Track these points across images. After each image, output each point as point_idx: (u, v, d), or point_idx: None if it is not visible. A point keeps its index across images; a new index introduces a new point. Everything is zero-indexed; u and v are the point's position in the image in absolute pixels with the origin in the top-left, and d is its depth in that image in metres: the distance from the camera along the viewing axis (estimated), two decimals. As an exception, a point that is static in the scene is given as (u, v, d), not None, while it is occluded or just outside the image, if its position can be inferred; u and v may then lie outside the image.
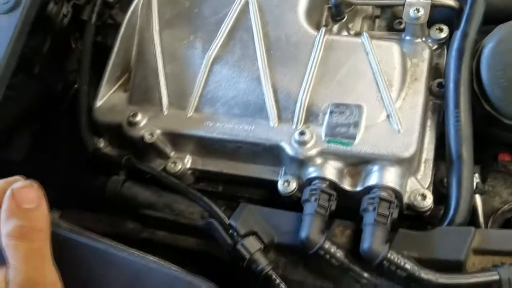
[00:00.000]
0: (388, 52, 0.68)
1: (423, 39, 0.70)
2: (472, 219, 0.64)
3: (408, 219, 0.64)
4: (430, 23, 0.71)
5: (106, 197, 0.70)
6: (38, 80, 0.85)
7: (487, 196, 0.68)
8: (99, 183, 0.72)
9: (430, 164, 0.65)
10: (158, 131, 0.70)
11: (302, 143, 0.63)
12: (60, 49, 0.87)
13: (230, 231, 0.63)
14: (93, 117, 0.76)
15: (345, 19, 0.75)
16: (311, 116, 0.66)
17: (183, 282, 0.50)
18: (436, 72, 0.70)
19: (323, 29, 0.70)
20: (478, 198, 0.66)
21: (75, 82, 0.88)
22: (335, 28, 0.75)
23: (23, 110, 0.84)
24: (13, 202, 0.46)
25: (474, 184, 0.64)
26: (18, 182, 0.47)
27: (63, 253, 0.50)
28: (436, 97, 0.68)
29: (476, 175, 0.66)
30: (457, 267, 0.56)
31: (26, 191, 0.46)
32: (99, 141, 0.76)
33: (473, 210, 0.64)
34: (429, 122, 0.67)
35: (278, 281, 0.60)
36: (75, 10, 0.84)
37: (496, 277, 0.54)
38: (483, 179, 0.68)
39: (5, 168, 0.57)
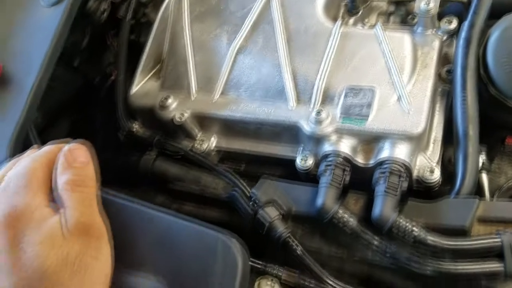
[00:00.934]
0: (399, 41, 0.73)
1: (434, 30, 0.75)
2: (479, 196, 0.67)
3: (418, 196, 0.69)
4: (441, 16, 0.77)
5: (139, 173, 0.77)
6: (77, 73, 0.93)
7: (493, 174, 0.72)
8: (133, 160, 0.79)
9: (439, 144, 0.70)
10: (187, 113, 0.77)
11: (319, 122, 0.69)
12: (97, 44, 0.95)
13: (251, 201, 0.68)
14: (129, 102, 0.83)
15: (360, 13, 0.81)
16: (327, 98, 0.72)
17: (211, 235, 0.55)
18: (445, 60, 0.75)
19: (339, 21, 0.76)
20: (484, 176, 0.70)
21: (111, 74, 0.95)
22: (351, 21, 0.80)
23: (64, 100, 0.92)
24: (68, 157, 0.53)
25: (480, 162, 0.68)
26: (71, 143, 0.55)
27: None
28: (445, 83, 0.73)
29: (483, 154, 0.70)
30: (461, 234, 0.60)
31: (78, 149, 0.54)
32: (134, 124, 0.83)
33: (479, 187, 0.69)
34: (438, 105, 0.72)
35: (295, 245, 0.65)
36: (112, 8, 0.92)
37: (498, 242, 0.58)
38: (490, 160, 0.72)
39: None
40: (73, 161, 0.53)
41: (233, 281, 0.53)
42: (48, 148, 0.56)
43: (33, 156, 0.54)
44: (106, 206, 0.58)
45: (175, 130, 0.78)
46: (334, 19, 0.80)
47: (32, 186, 0.51)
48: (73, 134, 0.94)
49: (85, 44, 0.93)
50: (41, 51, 0.75)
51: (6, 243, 0.48)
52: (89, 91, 0.95)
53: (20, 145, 0.67)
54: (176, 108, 0.78)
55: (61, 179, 0.52)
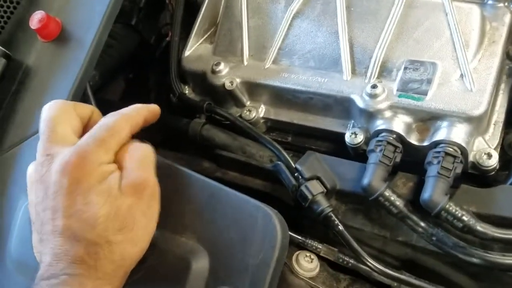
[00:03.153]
0: (467, 13, 0.68)
1: (506, 4, 0.69)
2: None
3: (473, 181, 0.65)
4: (516, -11, 0.70)
5: (188, 137, 0.78)
6: (134, 31, 0.94)
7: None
8: (182, 124, 0.79)
9: (500, 127, 0.65)
10: (238, 80, 0.76)
11: (373, 96, 0.66)
12: (155, 4, 0.95)
13: (296, 174, 0.67)
14: (181, 66, 0.83)
15: (428, -19, 0.76)
16: (384, 71, 0.68)
17: (252, 204, 0.56)
18: (517, 37, 0.69)
19: (404, -12, 0.72)
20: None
21: (166, 35, 0.96)
22: (418, -11, 0.75)
23: (121, 57, 0.93)
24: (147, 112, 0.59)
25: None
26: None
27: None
28: (514, 61, 0.68)
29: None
30: (514, 224, 0.57)
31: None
32: (185, 87, 0.83)
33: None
34: (503, 86, 0.67)
35: (337, 221, 0.64)
36: (171, -33, 0.91)
37: (556, 237, 0.55)
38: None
39: (103, 105, 0.65)
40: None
41: (272, 251, 0.53)
42: (138, 108, 0.59)
43: (125, 115, 0.57)
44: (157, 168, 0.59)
45: (225, 96, 0.78)
46: (399, -14, 0.75)
47: (111, 143, 0.54)
48: (127, 92, 0.97)
49: (143, 3, 0.93)
50: (100, 8, 0.75)
51: (61, 189, 0.51)
52: (144, 50, 0.96)
53: (78, 101, 0.69)
54: (227, 74, 0.77)
55: (127, 143, 0.56)
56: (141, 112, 0.59)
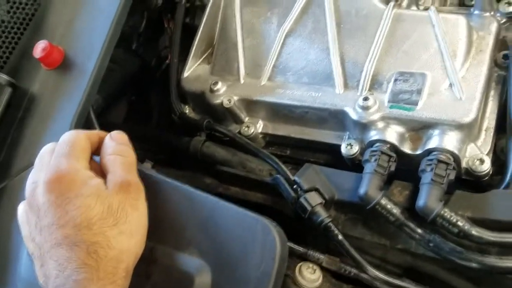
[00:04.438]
0: (454, 24, 0.70)
1: (492, 13, 0.72)
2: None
3: (467, 186, 0.66)
4: (500, -2, 0.73)
5: (189, 154, 0.80)
6: (135, 55, 0.98)
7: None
8: (183, 142, 0.82)
9: (491, 133, 0.67)
10: (235, 98, 0.78)
11: (366, 108, 0.68)
12: (154, 28, 0.99)
13: (294, 186, 0.69)
14: (181, 86, 0.86)
15: (415, -6, 0.78)
16: (375, 84, 0.71)
17: (251, 218, 0.57)
18: (503, 45, 0.71)
19: (392, 3, 0.74)
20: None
21: (166, 57, 0.98)
22: (405, 3, 0.78)
23: (122, 81, 0.96)
24: (113, 137, 0.62)
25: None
26: (115, 131, 0.63)
27: (153, 189, 0.60)
28: (501, 69, 0.69)
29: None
30: (509, 228, 0.58)
31: (119, 135, 0.63)
32: (185, 107, 0.86)
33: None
34: (492, 92, 0.69)
35: (336, 231, 0.65)
36: (168, -8, 0.94)
37: (549, 238, 0.56)
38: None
39: (106, 129, 0.67)
40: (116, 139, 0.62)
41: (272, 262, 0.55)
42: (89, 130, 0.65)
43: (76, 130, 0.63)
44: (156, 186, 0.61)
45: (224, 114, 0.80)
46: (387, 1, 0.77)
47: (76, 152, 0.58)
48: (130, 114, 1.00)
49: (143, 28, 0.97)
50: (101, 35, 0.78)
51: (51, 205, 0.55)
52: (145, 73, 0.99)
53: (81, 126, 0.72)
54: (225, 93, 0.80)
55: (107, 151, 0.61)
56: (91, 131, 0.64)
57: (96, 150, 0.62)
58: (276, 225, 0.57)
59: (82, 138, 0.60)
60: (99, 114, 0.81)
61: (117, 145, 0.61)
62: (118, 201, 0.56)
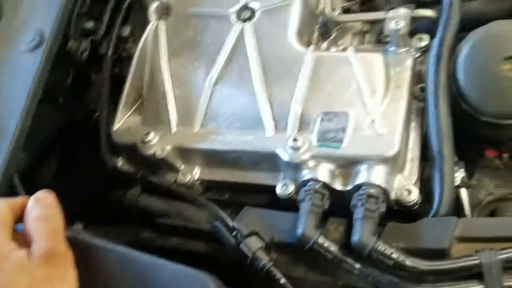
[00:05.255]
0: (371, 63, 0.74)
1: (406, 48, 0.76)
2: (459, 212, 0.68)
3: (399, 216, 0.69)
4: (414, 34, 0.77)
5: (124, 208, 0.78)
6: (62, 110, 0.95)
7: (473, 189, 0.72)
8: (117, 196, 0.80)
9: (416, 163, 0.70)
10: (168, 147, 0.78)
11: (296, 149, 0.70)
12: (81, 82, 0.97)
13: (234, 232, 0.69)
14: (111, 139, 0.84)
15: (333, 36, 0.82)
16: (303, 124, 0.73)
17: (189, 275, 0.56)
18: (420, 78, 0.75)
19: (312, 46, 0.77)
20: (464, 192, 0.70)
21: (95, 110, 0.96)
22: (324, 45, 0.82)
23: (49, 138, 0.93)
24: (37, 201, 0.59)
25: (460, 178, 0.68)
26: (40, 191, 0.60)
27: (84, 255, 0.58)
28: (420, 101, 0.74)
29: (462, 170, 0.70)
30: (441, 255, 0.61)
31: (45, 196, 0.60)
32: (117, 160, 0.84)
33: (459, 203, 0.69)
34: (413, 124, 0.72)
35: (278, 275, 0.65)
36: (93, 46, 0.93)
37: (477, 261, 0.58)
38: (470, 175, 0.72)
39: (34, 190, 0.64)
40: (41, 201, 0.59)
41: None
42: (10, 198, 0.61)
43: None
44: (87, 251, 0.59)
45: (158, 164, 0.79)
46: (308, 44, 0.81)
47: None
48: (59, 172, 0.96)
49: (69, 82, 0.94)
50: (22, 95, 0.76)
51: None
52: (74, 128, 0.97)
53: (4, 192, 0.69)
54: (157, 143, 0.79)
55: (31, 216, 0.58)
56: (14, 199, 0.61)
57: (21, 217, 0.59)
58: (215, 278, 0.56)
59: (2, 208, 0.57)
60: (25, 174, 0.78)
61: (42, 208, 0.58)
62: (43, 274, 0.53)
